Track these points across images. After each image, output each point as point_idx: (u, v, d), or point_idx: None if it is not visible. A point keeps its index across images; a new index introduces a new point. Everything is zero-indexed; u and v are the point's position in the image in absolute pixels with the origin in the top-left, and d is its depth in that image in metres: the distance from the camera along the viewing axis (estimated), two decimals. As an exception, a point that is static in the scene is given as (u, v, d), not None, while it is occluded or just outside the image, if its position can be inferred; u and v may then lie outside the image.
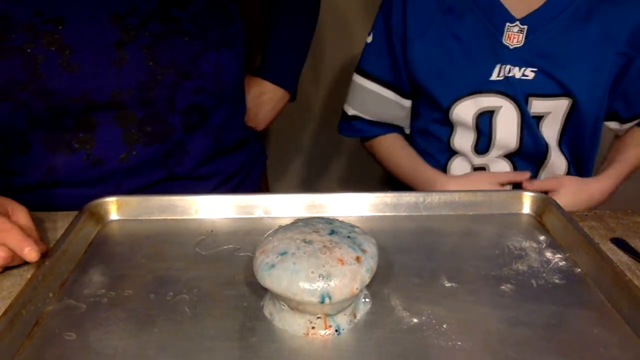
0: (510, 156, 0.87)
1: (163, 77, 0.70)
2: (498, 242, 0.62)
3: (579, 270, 0.56)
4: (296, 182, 1.55)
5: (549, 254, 0.59)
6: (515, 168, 0.88)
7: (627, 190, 1.23)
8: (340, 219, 0.54)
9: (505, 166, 0.88)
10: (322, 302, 0.45)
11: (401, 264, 0.57)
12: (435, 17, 0.85)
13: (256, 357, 0.45)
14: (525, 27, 0.80)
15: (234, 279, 0.55)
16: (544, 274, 0.56)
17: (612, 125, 0.90)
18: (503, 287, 0.54)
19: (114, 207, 0.66)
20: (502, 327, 0.48)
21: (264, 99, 0.93)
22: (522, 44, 0.80)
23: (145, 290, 0.53)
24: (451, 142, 0.90)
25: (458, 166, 0.92)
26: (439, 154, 0.93)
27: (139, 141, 0.72)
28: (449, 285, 0.54)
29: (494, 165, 0.88)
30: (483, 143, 0.87)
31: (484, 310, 0.50)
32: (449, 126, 0.89)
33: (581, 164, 0.89)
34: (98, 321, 0.49)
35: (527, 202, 0.68)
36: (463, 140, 0.89)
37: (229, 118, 0.82)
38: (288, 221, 0.54)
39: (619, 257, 0.60)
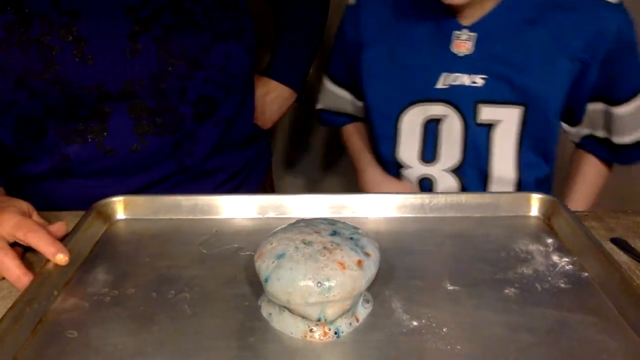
0: (456, 171, 0.85)
1: (174, 68, 0.71)
2: (504, 244, 0.61)
3: (586, 274, 0.55)
4: (301, 180, 1.55)
5: (555, 258, 0.58)
6: (463, 184, 0.85)
7: (626, 190, 1.21)
8: (343, 220, 0.53)
9: (452, 182, 0.85)
10: (319, 320, 0.46)
11: (404, 265, 0.57)
12: (388, 24, 0.85)
13: (254, 357, 0.45)
14: (475, 34, 0.79)
15: (236, 278, 0.55)
16: (550, 278, 0.55)
17: (565, 126, 0.89)
18: (507, 290, 0.53)
19: (121, 207, 0.66)
20: (503, 332, 0.48)
21: (271, 97, 0.95)
22: (471, 52, 0.79)
23: (148, 288, 0.53)
24: (396, 154, 0.88)
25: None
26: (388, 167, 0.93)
27: (150, 132, 0.73)
28: (452, 288, 0.53)
29: (441, 180, 0.86)
30: (429, 152, 0.86)
31: (486, 314, 0.50)
32: (392, 138, 0.88)
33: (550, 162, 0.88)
34: (100, 319, 0.49)
35: (535, 205, 0.67)
36: (408, 150, 0.87)
37: (237, 111, 0.83)
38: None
39: (619, 257, 0.59)
